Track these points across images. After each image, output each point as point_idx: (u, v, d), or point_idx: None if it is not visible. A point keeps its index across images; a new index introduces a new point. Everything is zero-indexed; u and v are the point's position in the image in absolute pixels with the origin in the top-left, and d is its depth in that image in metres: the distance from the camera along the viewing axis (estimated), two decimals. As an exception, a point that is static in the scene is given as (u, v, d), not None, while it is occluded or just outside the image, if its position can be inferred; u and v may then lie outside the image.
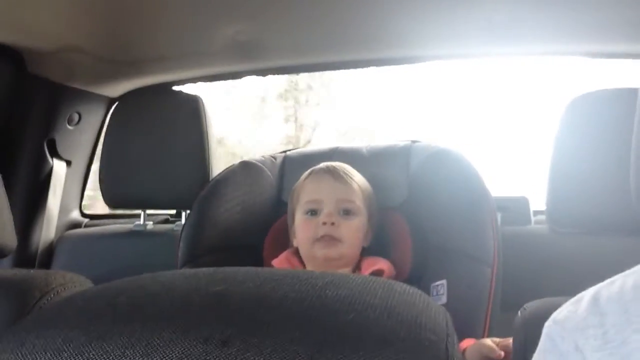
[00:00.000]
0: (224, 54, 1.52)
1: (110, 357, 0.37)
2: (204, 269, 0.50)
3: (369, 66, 1.65)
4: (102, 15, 1.29)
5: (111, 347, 0.38)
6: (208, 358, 0.35)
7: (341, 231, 1.07)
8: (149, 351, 0.37)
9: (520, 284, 1.19)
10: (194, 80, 1.74)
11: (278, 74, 1.72)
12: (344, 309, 0.39)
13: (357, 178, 1.14)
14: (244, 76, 1.75)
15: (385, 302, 0.40)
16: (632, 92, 1.21)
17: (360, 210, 1.10)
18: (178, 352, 0.36)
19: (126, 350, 0.37)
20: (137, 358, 0.37)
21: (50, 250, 1.66)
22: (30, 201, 1.60)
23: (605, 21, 1.23)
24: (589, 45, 1.39)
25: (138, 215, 1.69)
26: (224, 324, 0.38)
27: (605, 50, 1.41)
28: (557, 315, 0.53)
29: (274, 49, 1.50)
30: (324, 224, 1.07)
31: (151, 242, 1.60)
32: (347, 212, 1.09)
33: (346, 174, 1.12)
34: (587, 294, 0.53)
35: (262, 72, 1.71)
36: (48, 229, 1.65)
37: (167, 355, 0.36)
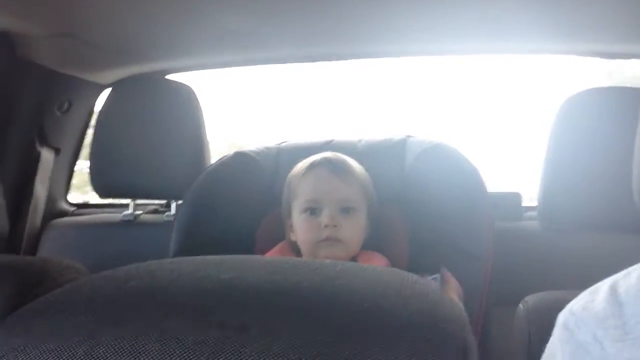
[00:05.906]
0: (216, 43, 1.51)
1: (123, 343, 0.36)
2: (210, 257, 0.49)
3: (362, 58, 1.65)
4: (94, 1, 1.27)
5: (124, 333, 0.37)
6: (226, 343, 0.35)
7: (344, 232, 1.05)
8: (163, 337, 0.36)
9: (510, 279, 1.20)
10: (186, 69, 1.72)
11: (272, 64, 1.71)
12: (358, 297, 0.39)
13: (357, 171, 1.12)
14: (237, 66, 1.74)
15: (399, 292, 0.40)
16: (627, 90, 1.23)
17: (361, 206, 1.09)
18: (194, 338, 0.36)
19: (139, 336, 0.37)
20: (151, 344, 0.36)
21: (37, 238, 1.63)
22: (17, 188, 1.57)
23: (601, 20, 1.23)
24: (584, 44, 1.39)
25: (126, 206, 1.67)
26: (239, 309, 0.37)
27: (601, 49, 1.42)
28: (573, 305, 0.53)
29: (267, 39, 1.49)
30: (326, 226, 1.05)
31: (141, 232, 1.59)
32: (347, 211, 1.07)
33: (346, 169, 1.10)
34: (603, 285, 0.54)
35: (256, 62, 1.70)
36: (34, 217, 1.62)
37: (183, 341, 0.36)
